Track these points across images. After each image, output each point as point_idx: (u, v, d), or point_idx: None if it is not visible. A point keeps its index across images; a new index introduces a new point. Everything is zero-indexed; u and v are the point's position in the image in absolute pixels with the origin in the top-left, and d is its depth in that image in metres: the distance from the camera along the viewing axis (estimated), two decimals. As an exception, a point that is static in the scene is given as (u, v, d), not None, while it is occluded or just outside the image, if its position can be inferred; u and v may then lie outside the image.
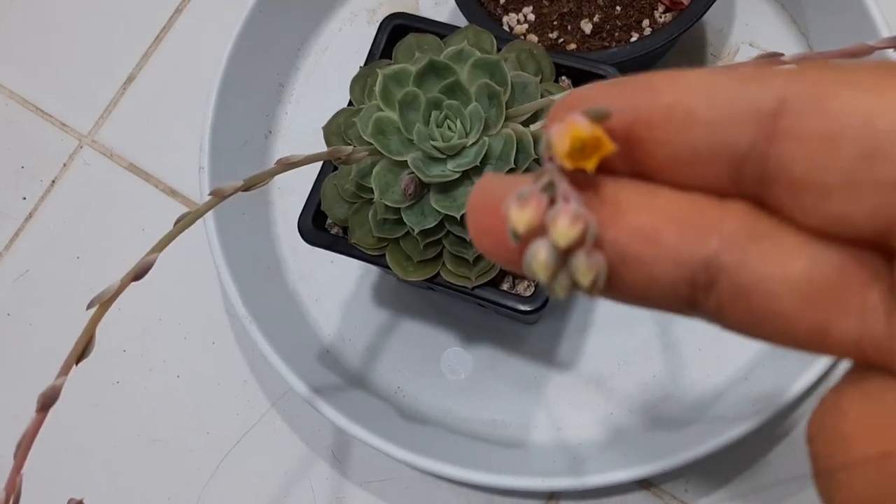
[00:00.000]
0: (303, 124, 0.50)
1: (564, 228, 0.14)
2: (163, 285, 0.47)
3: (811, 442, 0.14)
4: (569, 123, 0.14)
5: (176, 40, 0.53)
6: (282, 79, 0.50)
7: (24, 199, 0.51)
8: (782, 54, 0.26)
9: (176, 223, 0.26)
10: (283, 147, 0.49)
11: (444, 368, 0.45)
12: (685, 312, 0.15)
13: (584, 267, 0.14)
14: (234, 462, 0.45)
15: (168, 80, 0.52)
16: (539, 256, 0.14)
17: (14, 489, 0.20)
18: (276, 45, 0.49)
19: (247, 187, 0.28)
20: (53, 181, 0.51)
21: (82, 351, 0.23)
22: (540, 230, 0.14)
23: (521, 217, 0.14)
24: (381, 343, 0.46)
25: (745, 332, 0.14)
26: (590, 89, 0.15)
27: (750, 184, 0.14)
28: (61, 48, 0.54)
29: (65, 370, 0.22)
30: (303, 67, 0.51)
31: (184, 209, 0.50)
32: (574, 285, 0.14)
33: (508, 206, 0.14)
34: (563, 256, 0.14)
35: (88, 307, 0.23)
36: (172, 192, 0.50)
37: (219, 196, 0.27)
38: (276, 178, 0.30)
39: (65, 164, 0.51)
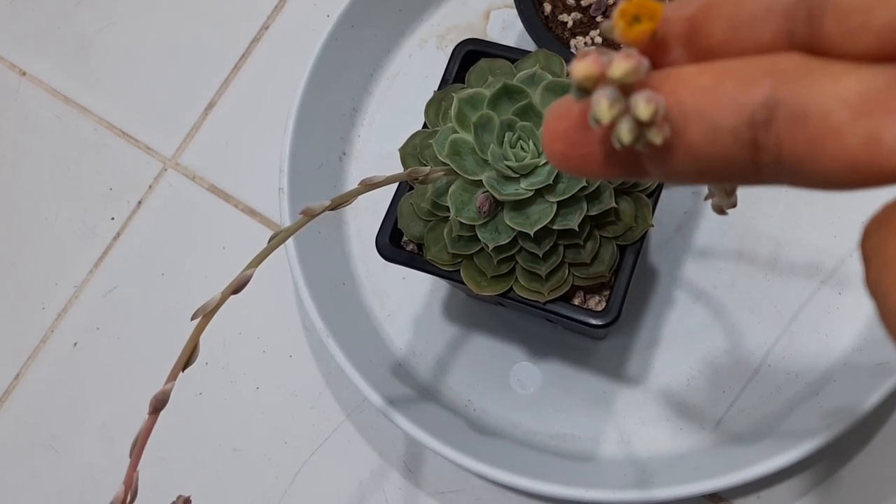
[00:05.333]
0: (375, 146, 0.52)
1: (619, 63, 0.15)
2: (242, 301, 0.49)
3: (867, 240, 0.15)
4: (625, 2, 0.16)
5: (253, 68, 0.56)
6: (355, 103, 0.52)
7: (113, 219, 0.54)
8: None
9: (270, 240, 0.28)
10: (357, 169, 0.51)
11: (514, 383, 0.46)
12: (750, 171, 0.16)
13: (643, 102, 0.15)
14: (311, 471, 0.47)
15: (246, 105, 0.55)
16: (601, 101, 0.16)
17: (132, 484, 0.21)
18: (349, 72, 0.51)
19: (333, 207, 0.29)
20: (140, 202, 0.54)
21: (188, 358, 0.24)
22: (601, 79, 0.16)
23: (580, 67, 0.16)
24: (451, 357, 0.47)
25: (806, 169, 0.15)
26: None
27: (801, 31, 0.15)
28: (146, 77, 0.57)
29: (172, 376, 0.24)
30: (375, 92, 0.53)
31: (262, 228, 0.52)
32: (639, 126, 0.15)
33: (571, 63, 0.16)
34: (624, 97, 0.16)
35: (193, 318, 0.25)
36: (251, 212, 0.52)
37: (309, 215, 0.28)
38: (353, 197, 0.32)
39: (150, 186, 0.54)
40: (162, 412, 0.50)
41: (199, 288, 0.52)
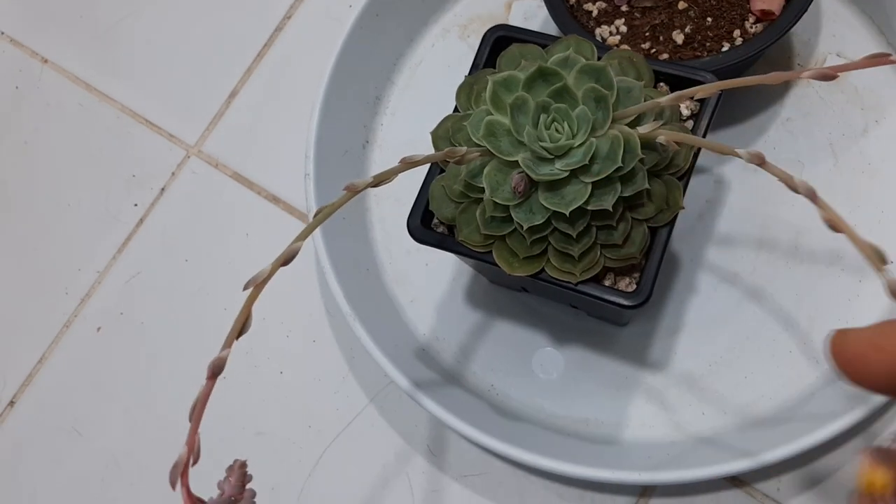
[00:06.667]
0: (397, 135, 0.52)
1: None
2: (266, 286, 0.50)
3: None
4: (870, 469, 0.17)
5: (276, 57, 0.56)
6: (378, 92, 0.53)
7: (136, 205, 0.55)
8: (889, 54, 0.27)
9: (315, 215, 0.28)
10: (380, 156, 0.52)
11: (537, 368, 0.46)
12: None
13: None
14: (335, 455, 0.47)
15: (269, 93, 0.55)
16: None
17: (194, 447, 0.22)
18: (372, 60, 0.52)
19: (376, 183, 0.30)
20: (163, 189, 0.55)
21: (241, 326, 0.25)
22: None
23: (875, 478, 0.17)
24: (474, 343, 0.47)
25: None
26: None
27: None
28: (169, 64, 0.58)
29: (227, 344, 0.24)
30: (398, 81, 0.53)
31: (285, 215, 0.52)
32: None
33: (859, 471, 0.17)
34: None
35: (245, 288, 0.26)
36: (274, 199, 0.53)
37: (352, 191, 0.29)
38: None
39: (173, 173, 0.55)
40: (186, 396, 0.50)
41: (222, 274, 0.52)
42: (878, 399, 0.39)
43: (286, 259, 0.27)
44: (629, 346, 0.46)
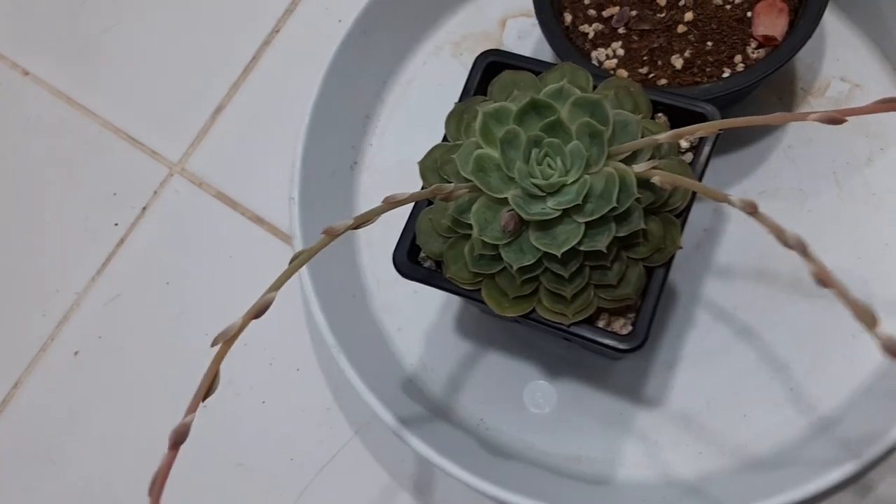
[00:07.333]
0: (387, 156, 0.50)
1: None
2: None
3: None
4: None
5: (262, 73, 0.54)
6: (367, 111, 0.51)
7: (117, 224, 0.53)
8: (902, 98, 0.26)
9: (291, 261, 0.26)
10: (368, 178, 0.50)
11: (528, 402, 0.45)
12: None
13: None
14: (317, 489, 0.46)
15: (255, 111, 0.54)
16: None
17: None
18: (362, 78, 0.50)
19: (356, 226, 0.28)
20: (144, 208, 0.53)
21: (209, 387, 0.23)
22: None
23: None
24: (463, 374, 0.46)
25: None
26: None
27: None
28: (153, 80, 0.56)
29: (192, 408, 0.23)
30: (388, 100, 0.51)
31: (269, 236, 0.51)
32: None
33: None
34: None
35: (213, 344, 0.24)
36: (258, 220, 0.51)
37: (331, 234, 0.27)
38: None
39: (155, 192, 0.53)
40: (164, 425, 0.49)
41: (204, 297, 0.50)
42: (884, 443, 0.38)
43: (258, 311, 0.25)
44: (624, 381, 0.44)
